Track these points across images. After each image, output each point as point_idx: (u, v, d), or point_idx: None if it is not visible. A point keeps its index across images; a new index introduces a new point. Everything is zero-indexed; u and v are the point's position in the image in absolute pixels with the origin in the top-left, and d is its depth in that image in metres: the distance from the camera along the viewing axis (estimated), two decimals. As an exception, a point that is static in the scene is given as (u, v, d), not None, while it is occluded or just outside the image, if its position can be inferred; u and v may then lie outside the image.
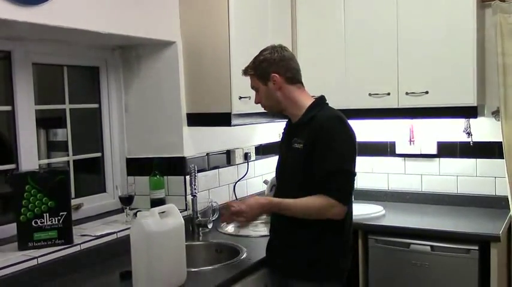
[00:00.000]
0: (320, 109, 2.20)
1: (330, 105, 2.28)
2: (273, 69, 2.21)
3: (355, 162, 2.15)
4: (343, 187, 2.10)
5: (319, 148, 2.10)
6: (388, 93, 3.18)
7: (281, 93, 2.23)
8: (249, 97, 2.84)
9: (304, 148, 2.15)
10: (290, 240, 2.22)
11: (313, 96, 2.28)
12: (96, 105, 2.94)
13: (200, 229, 2.84)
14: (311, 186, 2.11)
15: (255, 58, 2.28)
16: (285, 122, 2.43)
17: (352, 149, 2.15)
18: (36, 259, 2.13)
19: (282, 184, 2.34)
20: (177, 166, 2.92)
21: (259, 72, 2.25)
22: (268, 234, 2.42)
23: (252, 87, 2.33)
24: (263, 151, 3.62)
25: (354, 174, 2.14)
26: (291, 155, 2.23)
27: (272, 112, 2.37)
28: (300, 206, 2.12)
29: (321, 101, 2.26)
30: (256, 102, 2.34)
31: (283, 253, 2.25)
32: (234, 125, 2.85)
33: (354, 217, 3.07)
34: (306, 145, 2.14)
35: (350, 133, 2.16)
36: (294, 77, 2.25)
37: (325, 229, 2.15)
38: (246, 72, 2.31)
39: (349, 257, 2.31)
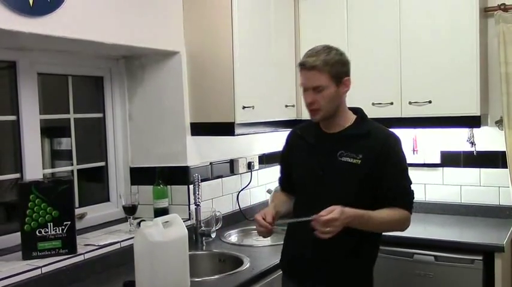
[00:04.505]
0: (370, 123, 2.17)
1: None
2: (347, 71, 2.11)
3: None
4: (412, 200, 2.13)
5: (390, 167, 2.07)
6: (391, 103, 3.18)
7: (342, 100, 2.14)
8: (253, 107, 2.85)
9: (362, 163, 2.03)
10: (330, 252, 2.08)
11: (349, 108, 2.21)
12: (100, 115, 2.95)
13: (203, 238, 2.84)
14: (365, 203, 2.02)
15: (327, 55, 2.04)
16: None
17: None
18: (40, 269, 2.13)
19: (318, 198, 2.08)
20: (180, 175, 2.93)
21: (335, 72, 2.05)
22: (273, 244, 2.40)
23: (314, 86, 2.05)
24: (266, 160, 3.62)
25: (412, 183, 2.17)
26: (340, 169, 2.07)
27: (323, 117, 2.10)
28: (383, 218, 2.03)
29: (364, 114, 2.21)
30: (312, 102, 2.07)
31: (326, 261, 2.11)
32: (238, 135, 2.85)
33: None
34: (366, 160, 2.04)
35: (402, 147, 2.18)
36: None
37: (365, 240, 2.12)
38: (314, 66, 2.03)
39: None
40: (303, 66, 2.06)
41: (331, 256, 2.08)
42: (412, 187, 2.13)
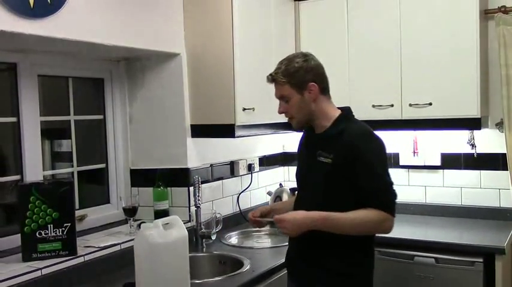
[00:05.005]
0: (348, 122, 2.14)
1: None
2: (311, 78, 2.08)
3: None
4: (392, 200, 2.06)
5: (358, 166, 2.02)
6: (392, 105, 3.18)
7: (315, 105, 2.11)
8: (253, 109, 2.85)
9: (333, 162, 2.06)
10: (322, 250, 2.12)
11: (338, 108, 2.21)
12: (100, 117, 2.95)
13: (204, 240, 2.83)
14: (335, 201, 2.06)
15: (288, 65, 2.09)
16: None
17: (386, 160, 2.13)
18: (40, 271, 2.13)
19: (304, 196, 2.23)
20: (181, 177, 2.93)
21: (295, 81, 2.08)
22: (273, 246, 2.40)
23: (280, 97, 2.14)
24: (267, 162, 3.63)
25: (393, 184, 2.09)
26: (316, 168, 2.13)
27: (299, 125, 2.17)
28: (353, 219, 2.01)
29: (348, 113, 2.19)
30: (282, 112, 2.16)
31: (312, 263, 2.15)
32: (238, 137, 2.85)
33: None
34: (336, 159, 2.05)
35: (382, 145, 2.11)
36: (327, 87, 2.16)
37: (356, 243, 2.11)
38: (275, 80, 2.12)
39: (371, 271, 2.28)
40: (267, 79, 2.15)
41: (325, 257, 2.10)
42: (393, 187, 2.07)
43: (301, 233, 2.03)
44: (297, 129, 2.24)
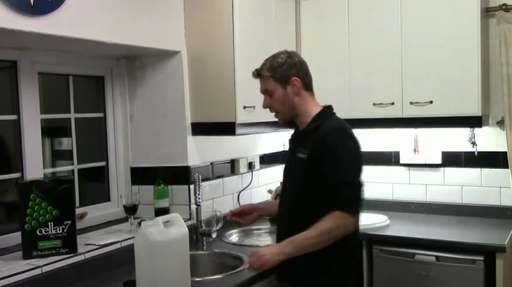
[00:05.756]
0: (325, 119, 2.17)
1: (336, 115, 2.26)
2: (294, 72, 2.16)
3: (361, 172, 2.12)
4: (351, 198, 2.05)
5: (326, 162, 2.06)
6: (393, 103, 3.18)
7: (298, 99, 2.17)
8: (254, 107, 2.85)
9: (307, 158, 2.12)
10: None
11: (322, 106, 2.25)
12: (101, 115, 2.95)
13: (204, 238, 2.83)
14: (310, 197, 2.11)
15: (272, 60, 2.18)
16: (293, 130, 2.40)
17: (358, 159, 2.12)
18: (40, 268, 2.13)
19: (284, 192, 2.33)
20: (181, 175, 2.93)
21: (279, 75, 2.16)
22: (272, 244, 2.41)
23: (264, 91, 2.22)
24: (267, 160, 3.62)
25: (362, 184, 2.09)
26: (294, 165, 2.22)
27: (283, 119, 2.25)
28: (315, 233, 2.04)
29: (327, 110, 2.23)
30: (266, 106, 2.24)
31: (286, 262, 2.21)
32: (239, 135, 2.85)
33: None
34: (309, 155, 2.11)
35: (355, 144, 2.12)
36: (310, 83, 2.22)
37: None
38: (260, 74, 2.20)
39: (349, 267, 2.26)
40: (253, 75, 2.24)
41: (299, 257, 2.11)
42: (360, 186, 2.06)
43: (278, 263, 2.07)
44: (283, 125, 2.33)
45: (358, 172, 2.10)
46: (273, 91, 2.18)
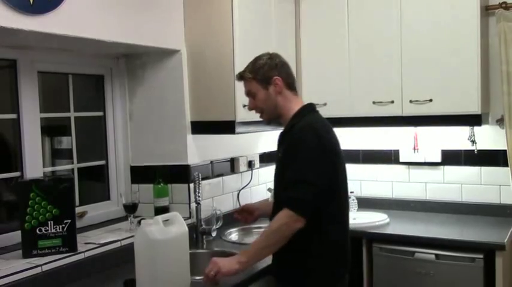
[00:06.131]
0: (303, 117, 2.18)
1: (318, 112, 2.28)
2: (275, 73, 2.20)
3: (323, 173, 2.06)
4: (299, 197, 2.02)
5: (287, 160, 2.11)
6: (392, 102, 3.18)
7: (281, 98, 2.21)
8: (253, 105, 2.85)
9: (282, 157, 2.18)
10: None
11: None
12: (100, 114, 2.95)
13: (204, 236, 2.83)
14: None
15: (254, 63, 2.24)
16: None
17: (319, 159, 2.06)
18: (40, 267, 2.13)
19: (274, 191, 2.34)
20: (181, 173, 2.93)
21: (260, 76, 2.20)
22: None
23: (248, 93, 2.27)
24: (267, 158, 3.62)
25: (316, 185, 2.03)
26: (277, 164, 2.27)
27: (268, 119, 2.30)
28: (267, 233, 2.09)
29: (305, 109, 2.23)
30: (251, 108, 2.29)
31: (275, 259, 2.26)
32: (238, 133, 2.85)
33: (358, 225, 3.09)
34: (283, 154, 2.17)
35: (320, 142, 2.07)
36: (292, 83, 2.25)
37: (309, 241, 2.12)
38: (242, 76, 2.26)
39: (341, 266, 2.24)
40: (236, 78, 2.31)
41: (279, 258, 2.19)
42: (312, 185, 2.02)
43: (234, 273, 2.07)
44: (268, 124, 2.39)
45: (316, 171, 2.05)
46: (256, 92, 2.23)
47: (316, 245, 2.12)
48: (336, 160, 2.15)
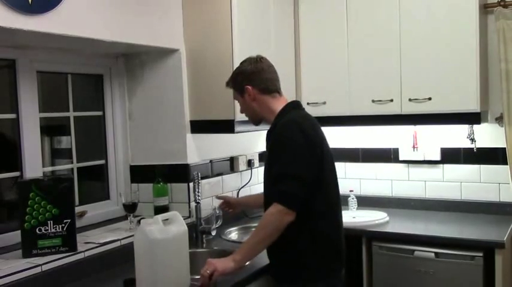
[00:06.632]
0: (285, 115, 2.20)
1: (305, 110, 2.33)
2: (246, 82, 2.26)
3: (309, 166, 2.08)
4: (286, 190, 2.04)
5: (272, 156, 2.15)
6: (391, 100, 3.18)
7: (257, 104, 2.27)
8: (252, 104, 2.85)
9: (267, 154, 2.23)
10: (275, 245, 2.19)
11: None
12: (100, 113, 2.95)
13: (204, 236, 2.84)
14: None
15: (235, 71, 2.34)
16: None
17: (304, 152, 2.08)
18: (40, 267, 2.13)
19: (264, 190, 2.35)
20: (180, 173, 2.93)
21: (236, 86, 2.31)
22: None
23: (234, 98, 2.40)
24: (266, 157, 3.62)
25: (302, 178, 2.05)
26: (264, 163, 2.31)
27: (253, 121, 2.38)
28: (257, 230, 2.12)
29: (288, 107, 2.26)
30: (241, 112, 2.41)
31: (271, 258, 2.28)
32: (238, 132, 2.85)
33: (357, 224, 3.10)
34: (268, 151, 2.22)
35: (303, 136, 2.09)
36: (267, 88, 2.26)
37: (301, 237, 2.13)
38: (227, 84, 2.38)
39: (334, 261, 2.24)
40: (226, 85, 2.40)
41: (272, 251, 2.22)
42: (299, 179, 2.04)
43: (230, 271, 2.09)
44: (255, 125, 2.42)
45: (301, 165, 2.07)
46: (237, 99, 2.37)
47: (308, 242, 2.14)
48: (322, 157, 2.15)
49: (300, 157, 2.08)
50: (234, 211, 2.81)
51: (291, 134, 2.10)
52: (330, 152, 2.24)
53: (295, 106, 2.29)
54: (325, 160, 2.17)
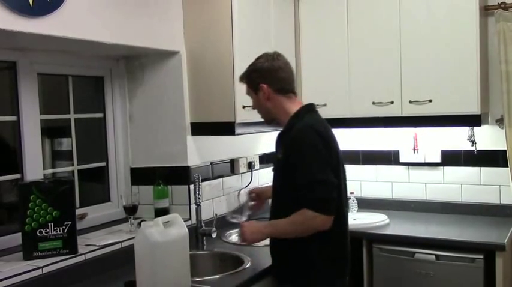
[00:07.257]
0: (302, 118, 2.19)
1: (318, 113, 2.30)
2: (262, 80, 2.22)
3: (331, 170, 2.10)
4: (320, 197, 2.05)
5: (292, 161, 2.11)
6: (392, 102, 3.18)
7: (271, 103, 2.24)
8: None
9: (282, 158, 2.19)
10: (280, 245, 2.25)
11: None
12: (100, 115, 2.95)
13: (204, 238, 2.83)
14: (287, 196, 2.15)
15: (250, 67, 2.29)
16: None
17: (325, 157, 2.10)
18: (41, 269, 2.13)
19: (272, 192, 2.34)
20: (181, 175, 2.93)
21: (250, 82, 2.27)
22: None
23: (247, 94, 2.35)
24: (267, 159, 3.62)
25: (331, 181, 2.07)
26: (276, 165, 2.29)
27: (265, 120, 2.36)
28: (286, 222, 2.11)
29: (303, 110, 2.24)
30: (253, 108, 2.38)
31: (275, 258, 2.30)
32: (238, 134, 2.85)
33: (358, 226, 3.10)
34: (283, 155, 2.18)
35: (321, 141, 2.10)
36: (283, 88, 2.23)
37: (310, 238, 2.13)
38: (241, 79, 2.34)
39: (341, 264, 2.26)
40: (239, 79, 2.37)
41: (276, 252, 2.27)
42: (327, 183, 2.05)
43: (257, 240, 2.27)
44: (267, 125, 2.40)
45: (327, 169, 2.08)
46: (250, 96, 2.32)
47: (318, 244, 2.14)
48: (338, 160, 2.18)
49: (324, 162, 2.09)
50: (261, 202, 2.67)
51: (312, 141, 2.09)
52: (341, 154, 2.25)
53: (310, 109, 2.26)
54: (340, 164, 2.19)
